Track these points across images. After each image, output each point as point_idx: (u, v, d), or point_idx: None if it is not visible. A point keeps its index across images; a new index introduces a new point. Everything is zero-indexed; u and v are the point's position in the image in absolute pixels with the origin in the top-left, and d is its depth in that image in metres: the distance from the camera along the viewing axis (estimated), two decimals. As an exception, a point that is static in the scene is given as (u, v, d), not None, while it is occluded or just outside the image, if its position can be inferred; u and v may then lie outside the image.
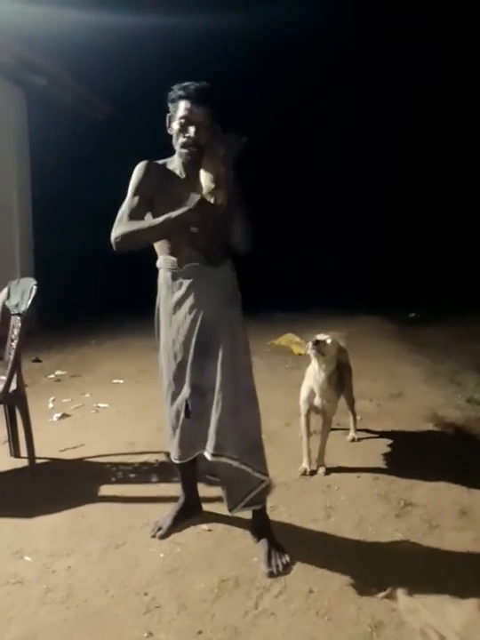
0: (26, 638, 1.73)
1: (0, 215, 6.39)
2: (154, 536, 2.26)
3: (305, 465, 2.84)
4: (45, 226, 7.00)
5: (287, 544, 2.16)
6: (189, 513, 2.37)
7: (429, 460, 2.98)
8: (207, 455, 2.03)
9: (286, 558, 2.08)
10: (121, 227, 1.94)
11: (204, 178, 1.93)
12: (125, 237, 1.91)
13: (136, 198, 2.00)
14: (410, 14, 10.28)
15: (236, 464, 2.01)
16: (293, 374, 4.59)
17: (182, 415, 2.08)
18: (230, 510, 2.14)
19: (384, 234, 10.31)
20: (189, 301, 2.02)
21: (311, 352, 2.79)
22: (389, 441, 3.26)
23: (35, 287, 2.66)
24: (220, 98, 2.01)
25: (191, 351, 2.03)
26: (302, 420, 2.92)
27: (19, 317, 2.70)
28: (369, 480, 2.75)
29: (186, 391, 2.06)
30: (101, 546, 2.21)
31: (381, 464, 2.94)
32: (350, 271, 9.29)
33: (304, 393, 2.90)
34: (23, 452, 2.89)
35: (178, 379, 2.09)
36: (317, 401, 2.85)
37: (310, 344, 2.78)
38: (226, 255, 2.09)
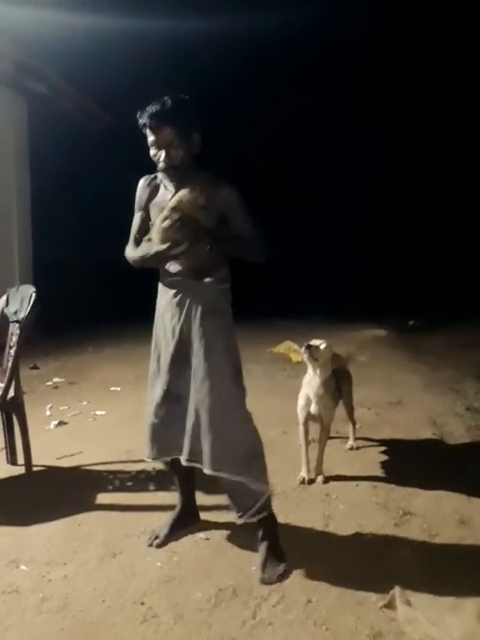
0: (21, 648, 1.71)
1: (-1, 222, 6.41)
2: (151, 545, 2.25)
3: (303, 473, 2.83)
4: (45, 233, 7.01)
5: (285, 553, 2.14)
6: (187, 521, 2.35)
7: (428, 468, 2.97)
8: (206, 471, 2.05)
9: (282, 567, 2.06)
10: (128, 250, 2.16)
11: (158, 222, 1.97)
12: (134, 262, 2.13)
13: (138, 215, 2.18)
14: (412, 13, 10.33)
15: (233, 478, 2.03)
16: (291, 382, 4.58)
17: (152, 416, 2.15)
18: (238, 519, 2.13)
19: (386, 242, 10.34)
20: (171, 310, 2.10)
21: (304, 356, 2.80)
22: (388, 449, 3.25)
23: (34, 294, 2.66)
24: (191, 108, 1.99)
25: (169, 358, 2.11)
26: (300, 428, 2.91)
27: (17, 325, 2.69)
28: (368, 489, 2.73)
29: (157, 393, 2.14)
30: (98, 554, 2.19)
31: (380, 473, 2.92)
32: (351, 279, 9.31)
33: (301, 401, 2.89)
34: (20, 459, 2.87)
35: (155, 381, 2.18)
36: (314, 408, 2.84)
37: (303, 348, 2.79)
38: (216, 268, 2.08)
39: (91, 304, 7.36)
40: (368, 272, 9.43)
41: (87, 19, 6.78)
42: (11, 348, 2.71)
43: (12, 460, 3.01)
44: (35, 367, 5.24)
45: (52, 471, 3.00)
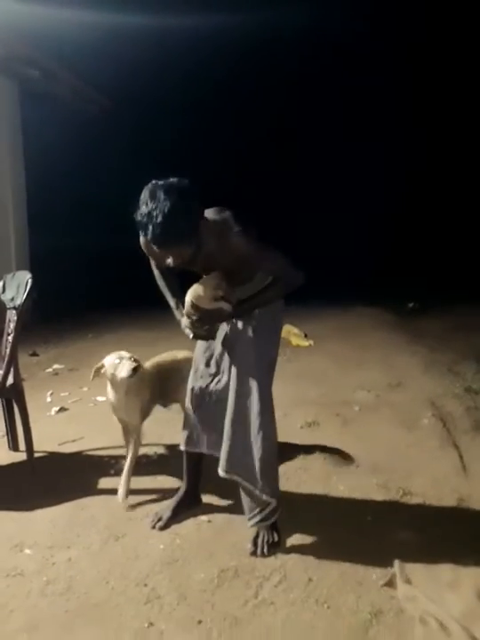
0: (27, 630, 1.73)
1: (-5, 209, 6.36)
2: (154, 527, 2.27)
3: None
4: (41, 219, 6.96)
5: (286, 534, 2.17)
6: (189, 504, 2.38)
7: (428, 449, 2.99)
8: (220, 471, 2.12)
9: (274, 537, 2.11)
10: (154, 274, 2.26)
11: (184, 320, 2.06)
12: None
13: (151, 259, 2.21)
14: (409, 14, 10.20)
15: (244, 484, 2.10)
16: (291, 365, 4.60)
17: (191, 409, 2.24)
18: (248, 522, 2.17)
19: (385, 225, 10.27)
20: None
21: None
22: (388, 430, 3.26)
23: (30, 281, 2.65)
24: (185, 214, 1.77)
25: (213, 359, 2.21)
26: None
27: (14, 311, 2.69)
28: (368, 470, 2.76)
29: (196, 387, 2.22)
30: (101, 538, 2.21)
31: (380, 453, 2.94)
32: (350, 262, 9.27)
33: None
34: (22, 445, 2.88)
35: (197, 374, 2.24)
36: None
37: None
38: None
39: (89, 291, 7.34)
40: (367, 255, 9.38)
41: (80, 4, 6.67)
42: (8, 334, 2.70)
43: (14, 447, 3.02)
44: (34, 354, 5.23)
45: (53, 457, 3.01)
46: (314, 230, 9.83)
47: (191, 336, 2.04)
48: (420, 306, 7.25)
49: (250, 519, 2.16)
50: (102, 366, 2.44)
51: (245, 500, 2.16)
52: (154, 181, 1.82)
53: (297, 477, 2.69)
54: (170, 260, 1.90)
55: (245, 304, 2.01)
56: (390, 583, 1.90)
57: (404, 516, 2.33)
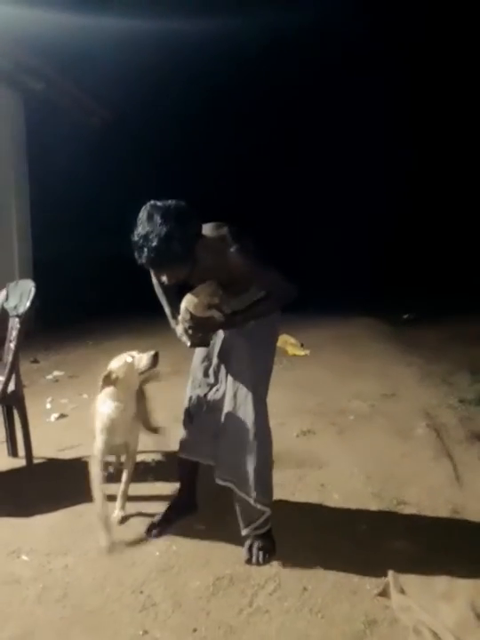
0: (22, 636, 1.75)
1: (-2, 217, 6.40)
2: (150, 534, 2.29)
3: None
4: (44, 228, 7.00)
5: (281, 542, 2.19)
6: (185, 511, 2.40)
7: (422, 459, 3.01)
8: (216, 479, 2.17)
9: (269, 546, 2.13)
10: (153, 282, 2.26)
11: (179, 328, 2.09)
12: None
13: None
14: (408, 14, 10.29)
15: (238, 493, 2.13)
16: (288, 374, 4.63)
17: (189, 417, 2.26)
18: (242, 531, 2.19)
19: (381, 235, 10.33)
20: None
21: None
22: (383, 440, 3.29)
23: (33, 289, 2.68)
24: (181, 235, 1.81)
25: (211, 368, 2.24)
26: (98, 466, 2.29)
27: (17, 319, 2.71)
28: (362, 479, 2.78)
29: (194, 396, 2.25)
30: (98, 545, 2.22)
31: (374, 463, 2.96)
32: (347, 272, 9.31)
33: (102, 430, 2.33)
34: (21, 451, 2.90)
35: (195, 383, 2.27)
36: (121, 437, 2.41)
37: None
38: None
39: (90, 299, 7.37)
40: (364, 265, 9.43)
41: (82, 15, 6.72)
42: (10, 342, 2.73)
43: (13, 453, 3.04)
44: (35, 361, 5.26)
45: (52, 463, 3.03)
46: (312, 239, 9.88)
47: (188, 344, 2.07)
48: (415, 316, 7.29)
49: (244, 529, 2.18)
50: (110, 373, 2.21)
51: (239, 510, 2.18)
52: (152, 202, 1.85)
53: (291, 486, 2.71)
54: (164, 279, 1.96)
55: (239, 316, 2.04)
56: (384, 593, 1.92)
57: (398, 526, 2.35)
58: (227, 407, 2.14)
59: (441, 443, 3.23)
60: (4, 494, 2.67)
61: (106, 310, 7.27)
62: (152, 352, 2.22)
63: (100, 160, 7.70)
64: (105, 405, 2.29)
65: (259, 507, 2.12)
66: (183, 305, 2.03)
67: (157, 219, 1.78)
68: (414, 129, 10.98)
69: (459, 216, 10.67)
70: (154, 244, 1.78)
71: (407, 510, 2.48)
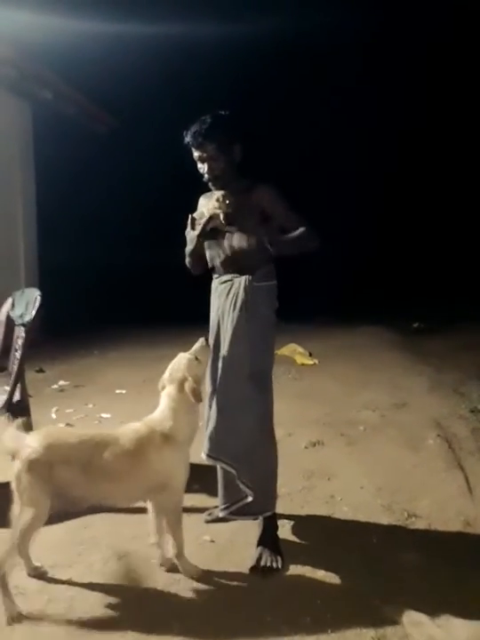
0: (27, 650, 1.72)
1: (5, 226, 6.44)
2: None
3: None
4: (50, 236, 7.05)
5: (289, 555, 2.15)
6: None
7: (433, 470, 2.97)
8: (203, 456, 2.16)
9: (277, 559, 2.10)
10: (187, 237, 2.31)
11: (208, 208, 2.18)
12: (188, 259, 2.31)
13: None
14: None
15: (227, 468, 2.13)
16: (296, 384, 4.59)
17: (207, 410, 2.27)
18: (220, 511, 2.21)
19: (389, 243, 10.31)
20: (214, 303, 2.28)
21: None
22: (393, 451, 3.24)
23: (39, 298, 2.68)
24: (229, 123, 2.14)
25: (212, 351, 2.24)
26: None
27: (23, 328, 2.71)
28: (372, 491, 2.73)
29: (207, 387, 2.27)
30: (103, 557, 2.20)
31: (385, 475, 2.92)
32: (354, 281, 9.28)
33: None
34: (26, 462, 2.88)
35: (211, 375, 2.29)
36: None
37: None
38: (257, 265, 2.18)
39: (96, 308, 7.39)
40: (371, 274, 9.41)
41: (89, 23, 6.81)
42: (16, 351, 2.72)
43: (18, 463, 3.02)
44: (41, 370, 5.26)
45: (57, 474, 3.00)
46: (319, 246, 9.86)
47: (197, 233, 2.15)
48: (425, 325, 7.23)
49: (225, 509, 2.20)
50: (184, 378, 1.99)
51: (223, 490, 2.21)
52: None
53: (300, 498, 2.68)
54: (204, 167, 2.13)
55: (281, 239, 2.12)
56: (395, 607, 1.87)
57: (409, 539, 2.31)
58: (219, 388, 2.16)
59: (452, 454, 3.18)
60: (8, 505, 2.64)
61: (112, 320, 7.29)
62: (200, 340, 2.13)
63: (107, 168, 7.75)
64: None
65: (242, 488, 2.13)
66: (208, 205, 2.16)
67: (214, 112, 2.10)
68: (425, 133, 10.99)
69: (470, 224, 10.63)
70: (207, 119, 2.08)
71: (418, 522, 2.44)
